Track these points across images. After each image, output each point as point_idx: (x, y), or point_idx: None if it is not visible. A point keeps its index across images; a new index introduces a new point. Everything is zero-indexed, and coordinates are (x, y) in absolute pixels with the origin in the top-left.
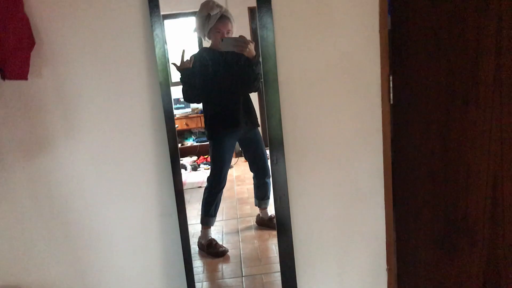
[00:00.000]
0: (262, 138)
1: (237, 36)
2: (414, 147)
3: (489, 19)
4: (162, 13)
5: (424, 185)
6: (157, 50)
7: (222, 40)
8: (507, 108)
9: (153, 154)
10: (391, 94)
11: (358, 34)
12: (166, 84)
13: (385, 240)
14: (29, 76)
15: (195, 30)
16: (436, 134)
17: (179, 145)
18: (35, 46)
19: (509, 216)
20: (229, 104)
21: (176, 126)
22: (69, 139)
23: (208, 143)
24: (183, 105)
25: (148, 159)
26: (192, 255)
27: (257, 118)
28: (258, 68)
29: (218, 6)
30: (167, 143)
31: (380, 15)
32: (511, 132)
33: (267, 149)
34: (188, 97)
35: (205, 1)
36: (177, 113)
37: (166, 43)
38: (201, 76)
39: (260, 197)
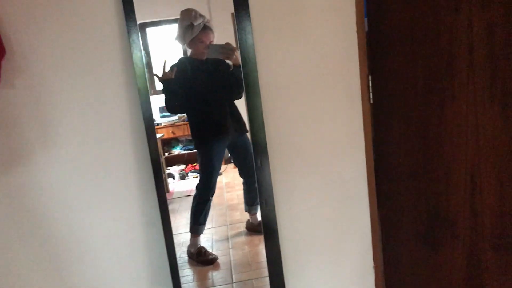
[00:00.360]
0: (251, 143)
1: (223, 43)
2: (396, 146)
3: (460, 20)
4: (143, 21)
5: (406, 183)
6: (134, 56)
7: (208, 47)
8: (480, 105)
9: (135, 163)
10: (371, 94)
11: (337, 36)
12: (144, 91)
13: (371, 238)
14: (0, 87)
15: (176, 38)
16: (416, 132)
17: (166, 153)
18: (7, 56)
19: (487, 209)
20: (215, 111)
21: (162, 134)
22: (46, 150)
23: (195, 151)
24: (169, 113)
25: (130, 169)
26: (182, 264)
27: (245, 124)
28: (241, 75)
29: (201, 16)
30: (149, 152)
31: (357, 16)
32: (486, 128)
33: None
34: (172, 108)
35: (186, 10)
36: (163, 121)
37: (143, 49)
38: (183, 85)
39: (250, 203)
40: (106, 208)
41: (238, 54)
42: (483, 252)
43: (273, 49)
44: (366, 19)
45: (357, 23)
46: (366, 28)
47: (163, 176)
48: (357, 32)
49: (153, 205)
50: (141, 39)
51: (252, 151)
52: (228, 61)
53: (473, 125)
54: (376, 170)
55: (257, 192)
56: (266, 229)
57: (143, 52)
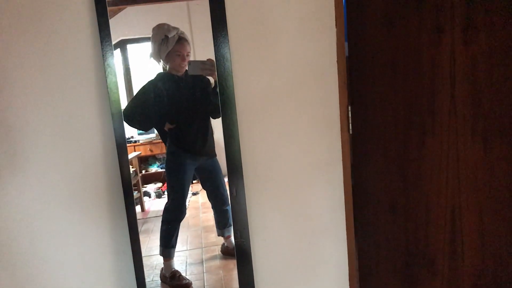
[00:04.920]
0: (220, 167)
1: (205, 59)
2: (374, 178)
3: (442, 53)
4: (124, 37)
5: (385, 216)
6: (108, 80)
7: (189, 63)
8: (462, 140)
9: (106, 189)
10: (350, 124)
11: (316, 63)
12: (118, 116)
13: (347, 271)
14: None
15: (151, 56)
16: (396, 165)
17: (143, 171)
18: None
19: (467, 248)
20: (192, 129)
21: (139, 152)
22: (15, 176)
23: None
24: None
25: (101, 195)
26: None
27: (214, 147)
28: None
29: (174, 28)
30: (121, 179)
31: (337, 45)
32: (468, 164)
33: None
34: (140, 125)
35: (158, 25)
36: (141, 138)
37: (123, 65)
38: (158, 102)
39: (222, 226)
40: (75, 235)
41: None
42: None
43: (251, 76)
44: (346, 43)
45: (337, 53)
46: (347, 53)
47: (140, 196)
48: (337, 62)
49: (123, 233)
50: (122, 55)
51: (221, 175)
52: (209, 78)
53: (454, 161)
54: (354, 202)
55: (227, 213)
56: (240, 260)
57: (123, 66)
